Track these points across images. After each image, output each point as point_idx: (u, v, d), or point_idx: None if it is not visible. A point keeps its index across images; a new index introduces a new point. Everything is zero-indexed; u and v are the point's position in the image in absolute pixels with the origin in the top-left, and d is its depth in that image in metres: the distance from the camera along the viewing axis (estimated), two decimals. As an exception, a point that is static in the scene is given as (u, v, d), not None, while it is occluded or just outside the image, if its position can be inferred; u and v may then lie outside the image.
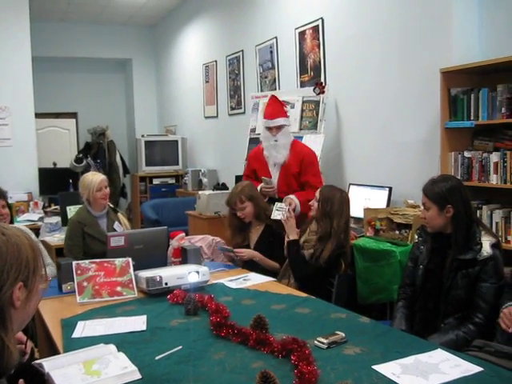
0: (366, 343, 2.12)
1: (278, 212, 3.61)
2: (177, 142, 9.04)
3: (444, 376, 1.80)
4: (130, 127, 10.69)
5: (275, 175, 4.27)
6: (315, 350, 2.04)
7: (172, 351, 2.09)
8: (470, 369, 1.86)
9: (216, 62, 7.90)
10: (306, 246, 3.44)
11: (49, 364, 1.88)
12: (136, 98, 10.30)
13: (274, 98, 4.46)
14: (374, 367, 1.89)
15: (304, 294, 2.88)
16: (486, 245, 2.52)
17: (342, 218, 3.36)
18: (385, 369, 1.87)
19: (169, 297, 2.77)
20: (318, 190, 3.50)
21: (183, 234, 3.65)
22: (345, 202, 3.42)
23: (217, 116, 8.02)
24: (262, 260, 3.61)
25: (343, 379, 1.76)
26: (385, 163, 4.64)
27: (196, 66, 8.54)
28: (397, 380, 1.79)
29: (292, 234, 3.42)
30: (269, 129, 4.26)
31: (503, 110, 3.54)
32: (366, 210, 4.15)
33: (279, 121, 4.23)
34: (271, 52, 6.38)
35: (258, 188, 4.11)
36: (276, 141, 4.21)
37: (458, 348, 2.22)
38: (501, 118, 3.56)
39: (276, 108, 4.35)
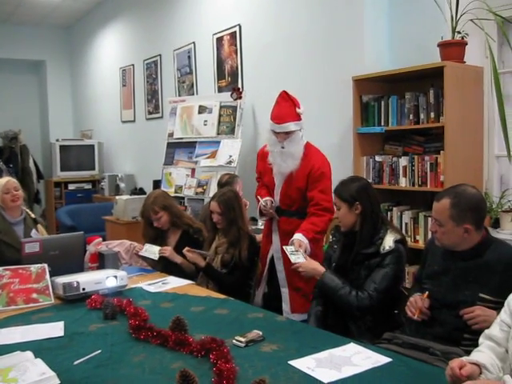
0: (282, 340, 2.20)
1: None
2: (93, 146, 8.89)
3: (356, 368, 1.90)
4: (43, 131, 10.36)
5: (278, 185, 3.55)
6: (234, 348, 2.08)
7: (91, 355, 2.08)
8: (380, 360, 1.97)
9: (133, 65, 7.84)
10: (219, 250, 3.50)
11: (-39, 373, 1.83)
12: (50, 101, 10.00)
13: (284, 94, 3.48)
14: (290, 362, 1.96)
15: (223, 296, 2.93)
16: (390, 240, 2.64)
17: (244, 217, 3.54)
18: (300, 363, 1.95)
19: (87, 302, 2.74)
20: (215, 204, 3.49)
21: (100, 239, 3.61)
22: (238, 199, 3.60)
23: (134, 120, 7.95)
24: (182, 263, 3.58)
25: (261, 375, 1.81)
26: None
27: (113, 70, 8.42)
28: (312, 373, 1.86)
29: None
30: (275, 133, 3.45)
31: (411, 116, 3.74)
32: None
33: (288, 126, 3.38)
34: (189, 57, 6.41)
35: (259, 205, 3.58)
36: (283, 148, 3.43)
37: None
38: (409, 124, 3.76)
39: (286, 108, 3.43)
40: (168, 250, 3.59)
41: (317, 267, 2.77)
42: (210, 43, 5.94)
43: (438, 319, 2.32)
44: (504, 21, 3.54)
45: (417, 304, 2.34)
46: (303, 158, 3.44)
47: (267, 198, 3.54)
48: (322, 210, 3.34)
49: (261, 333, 2.23)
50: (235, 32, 5.55)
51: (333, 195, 2.90)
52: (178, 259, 3.59)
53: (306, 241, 3.20)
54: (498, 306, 2.09)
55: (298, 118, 3.43)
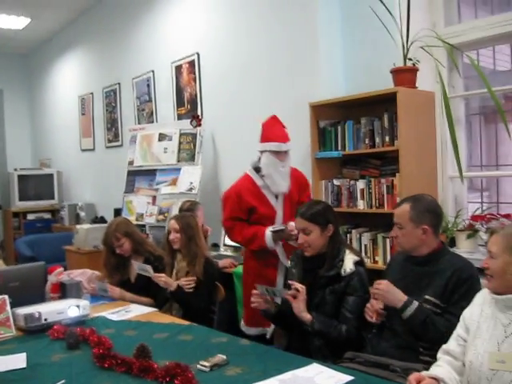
0: (246, 363, 2.22)
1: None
2: (52, 175, 8.80)
3: (318, 387, 1.94)
4: (1, 160, 10.19)
5: (278, 206, 3.65)
6: (198, 373, 2.10)
7: (53, 386, 2.07)
8: (343, 378, 2.02)
9: (92, 94, 7.84)
10: (179, 275, 3.52)
11: None
12: (8, 129, 9.85)
13: (275, 117, 3.74)
14: (255, 385, 1.99)
15: (186, 322, 2.94)
16: (350, 262, 2.71)
17: (201, 238, 3.62)
18: (264, 386, 1.98)
19: (49, 332, 2.72)
20: (174, 221, 3.58)
21: (61, 269, 3.59)
22: (196, 221, 3.70)
23: (94, 149, 7.92)
24: (133, 299, 3.56)
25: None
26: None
27: (72, 98, 8.40)
28: (276, 395, 1.90)
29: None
30: (276, 153, 3.57)
31: (367, 140, 3.85)
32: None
33: (289, 145, 3.65)
34: (148, 85, 6.45)
35: (271, 236, 3.49)
36: (283, 167, 3.60)
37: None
38: (365, 148, 3.87)
39: (282, 129, 3.68)
40: (117, 293, 3.58)
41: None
42: (169, 71, 6.00)
43: (393, 328, 2.43)
44: (452, 48, 3.70)
45: (373, 307, 2.48)
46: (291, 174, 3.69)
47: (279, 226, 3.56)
48: None
49: (225, 357, 2.25)
50: (194, 60, 5.62)
51: (298, 220, 2.82)
52: (127, 297, 3.56)
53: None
54: (438, 310, 2.29)
55: (289, 138, 3.68)
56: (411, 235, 2.44)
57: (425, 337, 2.30)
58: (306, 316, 2.62)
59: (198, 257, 3.51)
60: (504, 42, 3.97)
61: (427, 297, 2.35)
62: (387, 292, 2.39)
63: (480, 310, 1.93)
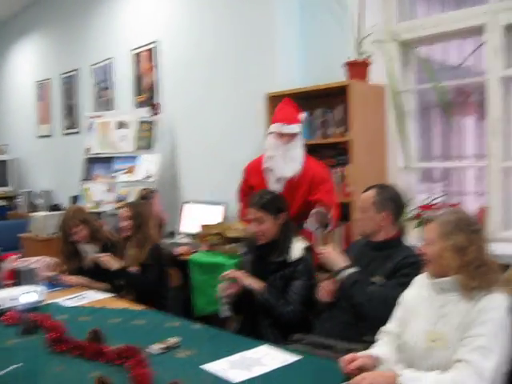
0: (197, 346, 2.30)
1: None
2: (6, 162, 8.66)
3: (265, 367, 2.04)
4: (-46, 147, 10.00)
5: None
6: (150, 356, 2.16)
7: (8, 369, 2.09)
8: (289, 359, 2.12)
9: (50, 80, 7.74)
10: (129, 264, 3.54)
11: None
12: (-39, 115, 9.68)
13: (288, 100, 3.63)
14: (204, 366, 2.07)
15: (141, 307, 2.99)
16: (298, 248, 2.82)
17: (152, 222, 3.66)
18: (214, 366, 2.06)
19: (3, 318, 2.74)
20: (125, 209, 3.64)
21: (16, 256, 3.59)
22: (148, 209, 3.77)
23: (51, 135, 7.83)
24: (90, 284, 3.59)
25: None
26: (218, 181, 4.88)
27: (29, 84, 8.27)
28: (223, 375, 1.98)
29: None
30: (279, 135, 3.46)
31: (320, 131, 3.95)
32: (202, 226, 4.34)
33: (294, 127, 3.46)
34: (107, 72, 6.42)
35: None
36: (287, 150, 3.46)
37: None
38: (319, 139, 3.96)
39: (291, 112, 3.53)
40: (74, 281, 3.61)
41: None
42: (128, 59, 5.99)
43: (342, 307, 2.56)
44: (403, 43, 3.81)
45: (327, 287, 2.63)
46: (304, 165, 3.48)
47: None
48: (331, 209, 3.27)
49: (177, 340, 2.32)
50: (153, 48, 5.63)
51: (251, 209, 2.89)
52: (84, 283, 3.60)
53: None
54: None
55: (300, 121, 3.53)
56: (372, 220, 2.57)
57: (354, 299, 2.47)
58: (259, 284, 2.76)
59: (146, 245, 3.55)
60: (455, 38, 4.11)
61: (375, 279, 2.48)
62: (329, 257, 2.61)
63: (418, 292, 2.05)
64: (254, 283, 2.77)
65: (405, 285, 2.21)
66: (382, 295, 2.38)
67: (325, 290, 2.65)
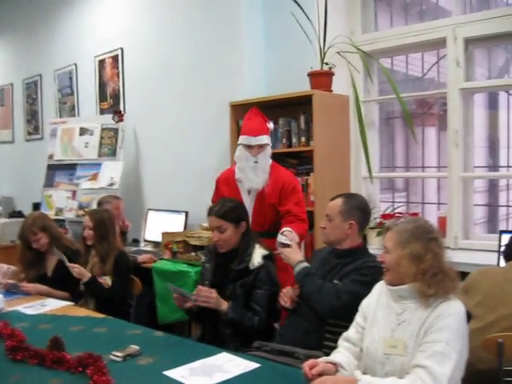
0: (158, 353, 2.29)
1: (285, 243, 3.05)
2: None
3: (226, 374, 2.04)
4: None
5: (249, 204, 3.48)
6: (111, 363, 2.14)
7: (-36, 378, 2.07)
8: (250, 366, 2.13)
9: (12, 84, 7.63)
10: (93, 271, 3.50)
11: None
12: None
13: (255, 110, 3.60)
14: (166, 373, 2.06)
15: (102, 315, 2.96)
16: (258, 256, 2.83)
17: (116, 235, 3.62)
18: (175, 373, 2.05)
19: (-41, 326, 2.68)
20: (88, 218, 3.58)
21: (-28, 264, 3.53)
22: (111, 217, 3.67)
23: (13, 141, 7.71)
24: (50, 293, 3.52)
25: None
26: (181, 189, 4.89)
27: (-11, 89, 8.14)
28: (185, 381, 1.98)
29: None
30: (248, 147, 3.47)
31: (284, 140, 3.99)
32: (164, 234, 4.33)
33: (263, 139, 3.47)
34: (70, 78, 6.37)
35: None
36: (256, 162, 3.45)
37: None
38: (282, 148, 4.01)
39: (259, 123, 3.52)
40: (32, 289, 3.51)
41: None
42: (92, 65, 5.95)
43: (303, 312, 2.59)
44: (366, 54, 3.89)
45: (288, 293, 2.67)
46: (271, 174, 3.50)
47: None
48: (300, 220, 3.41)
49: (138, 347, 2.31)
50: (117, 55, 5.61)
51: (212, 218, 2.88)
52: (44, 291, 3.52)
53: (294, 234, 3.21)
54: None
55: (268, 132, 3.55)
56: (338, 228, 2.61)
57: (304, 290, 2.58)
58: (223, 305, 2.72)
59: (110, 254, 3.51)
60: (416, 50, 4.22)
61: (334, 281, 2.54)
62: (288, 255, 2.77)
63: (377, 299, 2.08)
64: (217, 305, 2.72)
65: (360, 282, 2.32)
66: (334, 288, 2.46)
67: (286, 296, 2.68)
